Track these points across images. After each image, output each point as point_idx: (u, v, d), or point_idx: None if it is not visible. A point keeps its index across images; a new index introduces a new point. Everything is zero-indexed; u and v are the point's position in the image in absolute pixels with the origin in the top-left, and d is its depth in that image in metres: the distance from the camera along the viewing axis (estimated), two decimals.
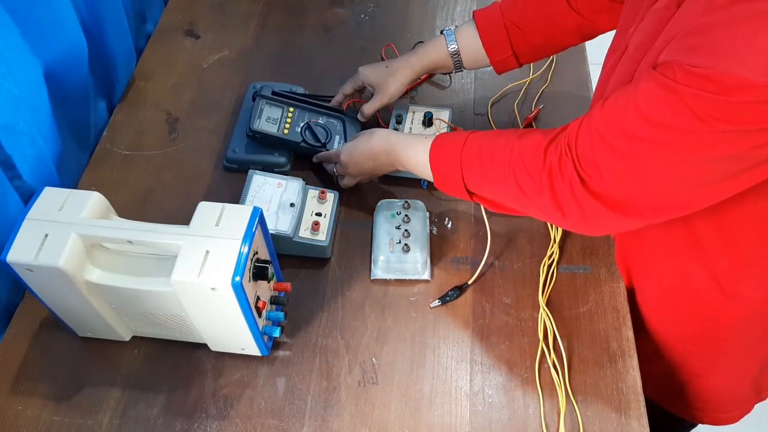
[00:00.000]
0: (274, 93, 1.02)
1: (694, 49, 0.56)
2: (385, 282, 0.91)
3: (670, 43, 0.60)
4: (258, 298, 0.77)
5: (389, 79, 0.99)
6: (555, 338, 0.85)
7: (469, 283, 0.90)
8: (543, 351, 0.84)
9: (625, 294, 0.89)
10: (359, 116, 1.04)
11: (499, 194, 0.79)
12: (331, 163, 0.99)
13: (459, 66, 0.99)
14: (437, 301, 0.89)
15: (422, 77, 1.11)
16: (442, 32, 0.98)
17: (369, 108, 1.01)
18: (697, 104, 0.56)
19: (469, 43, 0.96)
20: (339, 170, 0.96)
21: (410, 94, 1.14)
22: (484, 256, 0.90)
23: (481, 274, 0.91)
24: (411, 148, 0.86)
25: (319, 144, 0.99)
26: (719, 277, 0.79)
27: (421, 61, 0.99)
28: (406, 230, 0.92)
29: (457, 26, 0.98)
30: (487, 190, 0.79)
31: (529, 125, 1.09)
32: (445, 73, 1.14)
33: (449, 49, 0.97)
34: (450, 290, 0.89)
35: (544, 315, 0.87)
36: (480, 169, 0.78)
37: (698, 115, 0.57)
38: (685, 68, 0.56)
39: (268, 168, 0.99)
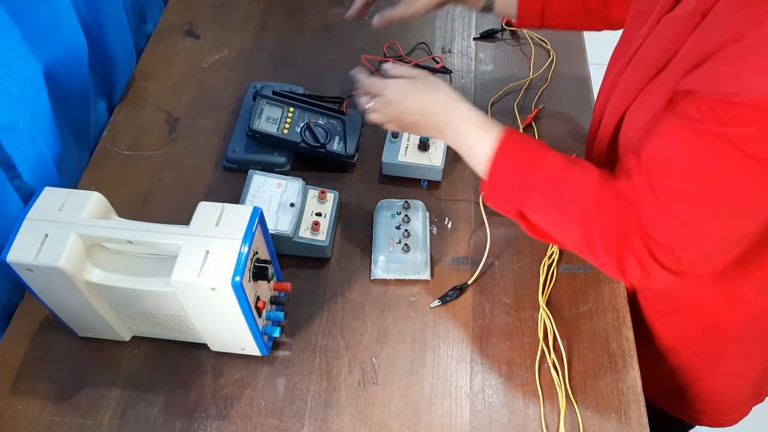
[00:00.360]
0: (274, 93, 1.02)
1: (734, 76, 0.51)
2: (385, 282, 0.91)
3: (700, 68, 0.55)
4: (258, 298, 0.77)
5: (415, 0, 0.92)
6: (555, 338, 0.85)
7: (469, 283, 0.90)
8: (543, 351, 0.84)
9: (626, 294, 0.89)
10: (374, 21, 0.94)
11: (555, 231, 0.74)
12: (367, 95, 0.84)
13: (488, 6, 0.94)
14: (437, 301, 0.89)
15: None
16: None
17: (389, 14, 0.92)
18: (746, 142, 0.51)
19: None
20: (377, 105, 0.82)
21: None
22: (483, 255, 0.90)
23: (481, 274, 0.91)
24: (473, 131, 0.75)
25: (318, 144, 0.99)
26: (722, 280, 0.78)
27: None
28: (406, 230, 0.92)
29: None
30: (543, 221, 0.73)
31: (529, 125, 1.09)
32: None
33: None
34: (450, 290, 0.89)
35: (544, 315, 0.87)
36: (544, 204, 0.71)
37: (752, 155, 0.52)
38: (725, 100, 0.51)
39: (268, 168, 0.99)
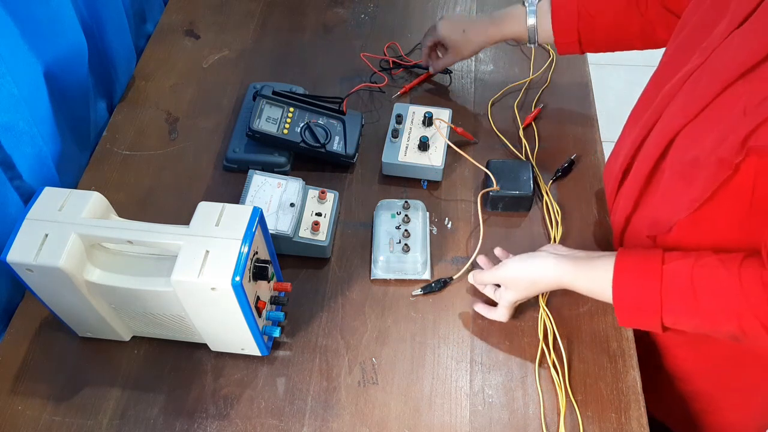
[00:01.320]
0: (274, 93, 1.02)
1: None
2: (385, 282, 0.91)
3: None
4: (258, 298, 0.77)
5: (465, 45, 1.04)
6: (555, 338, 0.85)
7: (454, 278, 0.90)
8: (543, 351, 0.84)
9: None
10: (431, 68, 1.12)
11: (707, 331, 0.73)
12: (484, 285, 0.87)
13: (532, 40, 1.00)
14: (419, 290, 0.89)
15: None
16: (523, 3, 1.00)
17: (442, 63, 1.09)
18: None
19: (544, 19, 0.98)
20: (502, 294, 0.84)
21: (410, 94, 1.14)
22: (474, 252, 0.91)
23: (473, 269, 0.91)
24: (584, 276, 0.76)
25: (318, 144, 0.99)
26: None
27: (500, 32, 1.02)
28: (406, 230, 0.92)
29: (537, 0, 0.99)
30: (692, 325, 0.72)
31: (529, 125, 1.09)
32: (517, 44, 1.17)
33: (528, 23, 0.98)
34: (434, 282, 0.90)
35: (544, 315, 0.87)
36: (689, 312, 0.70)
37: None
38: None
39: (268, 168, 0.99)
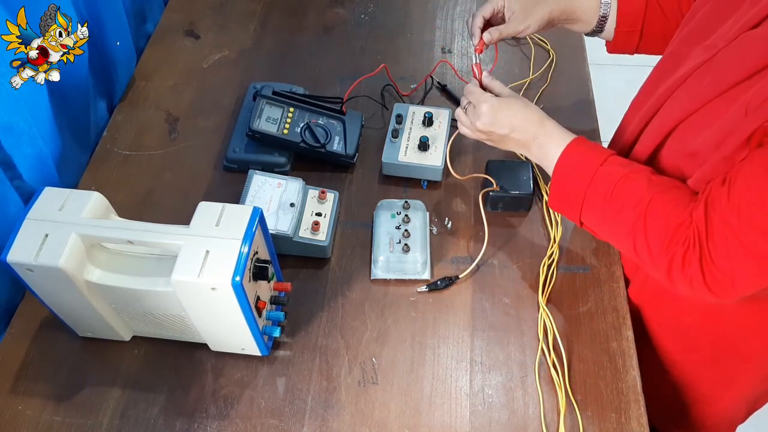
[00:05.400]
0: (274, 93, 1.02)
1: None
2: (385, 282, 0.91)
3: None
4: (258, 298, 0.77)
5: (528, 16, 0.91)
6: (555, 338, 0.85)
7: (461, 276, 0.90)
8: (543, 351, 0.84)
9: (625, 294, 0.89)
10: (485, 38, 0.91)
11: (612, 240, 0.80)
12: (464, 102, 0.87)
13: (600, 28, 0.93)
14: (425, 287, 0.89)
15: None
16: None
17: (500, 32, 0.91)
18: None
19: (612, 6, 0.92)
20: (470, 114, 0.85)
21: (409, 85, 1.14)
22: (481, 251, 0.91)
23: (477, 270, 0.91)
24: (553, 146, 0.80)
25: (318, 144, 0.99)
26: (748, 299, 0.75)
27: (571, 4, 0.92)
28: (406, 230, 0.92)
29: None
30: (601, 232, 0.79)
31: None
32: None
33: (602, 3, 0.91)
34: (439, 279, 0.90)
35: (544, 315, 0.87)
36: (601, 217, 0.76)
37: None
38: None
39: (268, 168, 0.99)
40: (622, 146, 0.85)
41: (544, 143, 0.81)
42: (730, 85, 0.66)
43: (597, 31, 0.94)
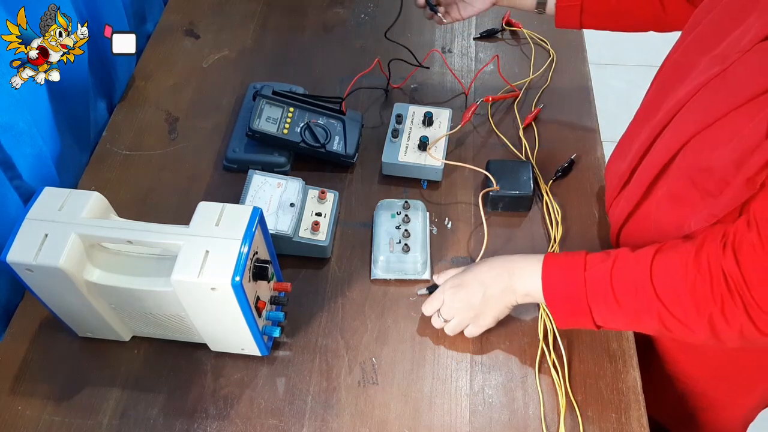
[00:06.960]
0: (274, 93, 1.02)
1: None
2: (385, 282, 0.91)
3: None
4: (258, 298, 0.77)
5: None
6: (555, 338, 0.85)
7: None
8: (543, 351, 0.84)
9: None
10: (443, 17, 1.05)
11: (642, 330, 0.77)
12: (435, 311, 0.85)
13: (543, 2, 0.99)
14: (425, 289, 0.89)
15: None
16: None
17: (466, 13, 1.03)
18: None
19: None
20: (446, 310, 0.82)
21: (410, 85, 1.14)
22: (481, 252, 0.91)
23: None
24: (529, 269, 0.77)
25: (318, 144, 0.99)
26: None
27: None
28: (406, 230, 0.92)
29: None
30: (625, 328, 0.78)
31: (529, 125, 1.09)
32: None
33: None
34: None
35: (544, 315, 0.87)
36: (615, 315, 0.73)
37: None
38: None
39: (268, 168, 0.99)
40: (631, 160, 0.82)
41: (524, 266, 0.78)
42: (747, 99, 0.63)
43: (540, 5, 1.00)
